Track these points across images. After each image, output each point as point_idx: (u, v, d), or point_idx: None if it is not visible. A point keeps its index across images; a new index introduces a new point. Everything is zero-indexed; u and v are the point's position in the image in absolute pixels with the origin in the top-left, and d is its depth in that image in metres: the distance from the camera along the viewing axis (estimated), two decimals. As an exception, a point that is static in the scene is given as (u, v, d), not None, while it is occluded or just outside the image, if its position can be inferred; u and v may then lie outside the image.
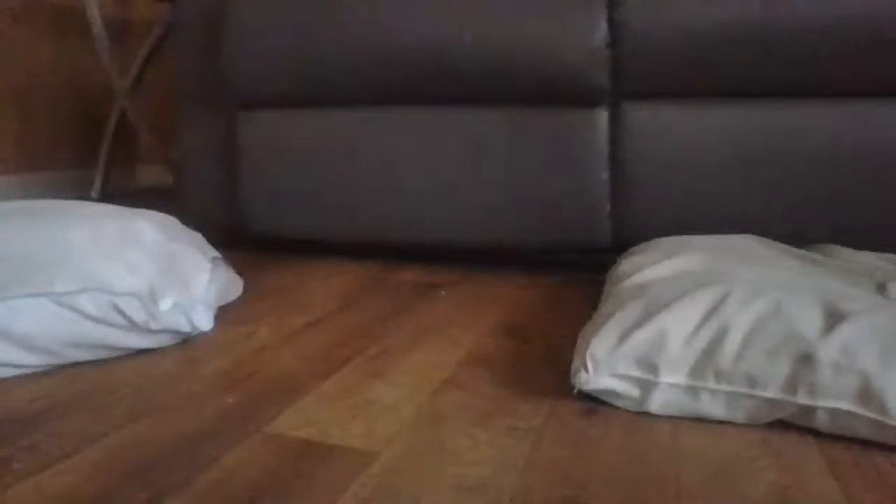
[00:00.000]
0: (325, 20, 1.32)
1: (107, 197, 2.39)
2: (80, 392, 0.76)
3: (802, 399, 0.65)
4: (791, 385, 0.66)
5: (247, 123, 1.43)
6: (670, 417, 0.71)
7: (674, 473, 0.60)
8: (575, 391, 0.73)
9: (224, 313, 1.05)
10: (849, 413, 0.64)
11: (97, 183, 2.43)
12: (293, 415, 0.70)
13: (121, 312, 0.83)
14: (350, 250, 1.51)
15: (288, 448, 0.63)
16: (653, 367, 0.70)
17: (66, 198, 2.31)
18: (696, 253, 0.93)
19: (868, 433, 0.64)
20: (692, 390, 0.70)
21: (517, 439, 0.66)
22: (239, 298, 1.14)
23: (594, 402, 0.74)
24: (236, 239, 1.54)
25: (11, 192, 2.25)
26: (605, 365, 0.71)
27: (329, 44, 1.32)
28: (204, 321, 0.91)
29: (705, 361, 0.69)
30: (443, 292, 1.19)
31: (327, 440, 0.65)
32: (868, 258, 1.02)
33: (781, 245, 1.07)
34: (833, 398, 0.65)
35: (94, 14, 2.26)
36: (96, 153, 2.46)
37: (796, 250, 1.05)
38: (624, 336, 0.72)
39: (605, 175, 1.25)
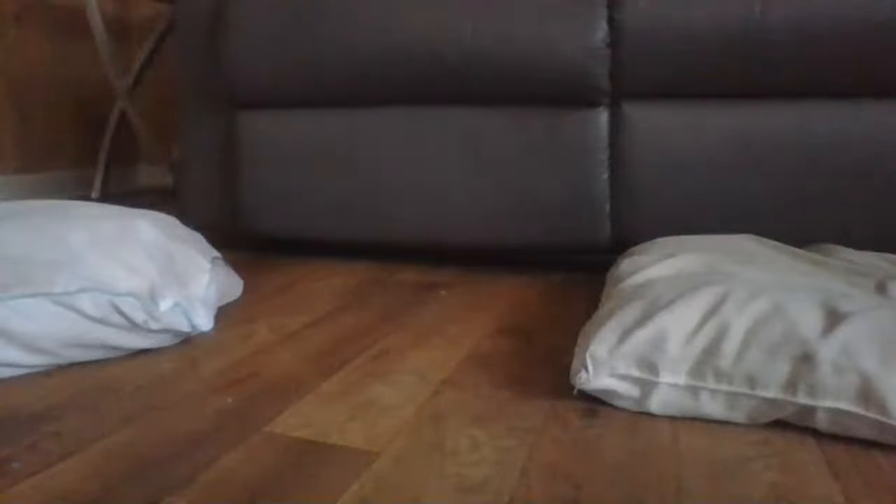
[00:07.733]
0: (325, 20, 1.32)
1: (107, 197, 2.39)
2: (80, 392, 0.76)
3: (802, 399, 0.65)
4: (791, 385, 0.66)
5: (247, 123, 1.43)
6: (670, 417, 0.71)
7: (674, 473, 0.60)
8: (575, 391, 0.73)
9: (224, 313, 1.05)
10: (849, 413, 0.64)
11: (97, 183, 2.43)
12: (293, 415, 0.70)
13: (121, 312, 0.83)
14: (350, 250, 1.51)
15: (288, 448, 0.63)
16: (653, 367, 0.70)
17: (66, 198, 2.31)
18: (696, 253, 0.93)
19: (868, 433, 0.64)
20: (692, 390, 0.70)
21: (517, 439, 0.66)
22: (239, 298, 1.14)
23: (594, 402, 0.74)
24: (236, 239, 1.54)
25: (11, 192, 2.25)
26: (605, 365, 0.71)
27: (329, 44, 1.32)
28: (204, 321, 0.91)
29: (705, 361, 0.69)
30: (443, 292, 1.19)
31: (327, 440, 0.65)
32: (868, 258, 1.02)
33: (781, 245, 1.07)
34: (833, 398, 0.64)
35: (94, 14, 2.26)
36: (96, 153, 2.46)
37: (796, 250, 1.05)
38: (624, 336, 0.72)
39: (605, 175, 1.25)
